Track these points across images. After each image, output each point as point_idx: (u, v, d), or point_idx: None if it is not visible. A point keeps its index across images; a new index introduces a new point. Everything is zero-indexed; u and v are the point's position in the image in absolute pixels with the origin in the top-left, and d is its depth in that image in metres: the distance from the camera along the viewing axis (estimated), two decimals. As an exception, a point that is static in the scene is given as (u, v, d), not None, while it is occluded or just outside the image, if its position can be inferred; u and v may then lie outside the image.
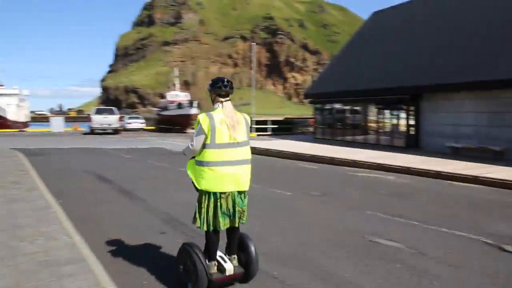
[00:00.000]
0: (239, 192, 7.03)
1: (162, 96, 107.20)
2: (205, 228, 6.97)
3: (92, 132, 50.57)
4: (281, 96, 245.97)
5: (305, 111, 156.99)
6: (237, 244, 7.30)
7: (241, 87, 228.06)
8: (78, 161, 22.26)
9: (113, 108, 54.39)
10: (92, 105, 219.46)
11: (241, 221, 7.07)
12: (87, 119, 54.45)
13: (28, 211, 10.59)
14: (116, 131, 50.78)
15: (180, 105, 55.28)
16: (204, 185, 6.90)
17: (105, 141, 38.05)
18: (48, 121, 64.90)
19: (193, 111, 52.58)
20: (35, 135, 49.56)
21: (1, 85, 79.06)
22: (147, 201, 12.63)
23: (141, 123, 61.07)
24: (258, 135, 45.07)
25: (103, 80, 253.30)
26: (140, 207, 11.92)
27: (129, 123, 60.17)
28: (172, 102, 62.86)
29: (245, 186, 7.03)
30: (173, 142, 35.90)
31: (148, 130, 61.62)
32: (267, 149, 25.90)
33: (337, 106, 33.42)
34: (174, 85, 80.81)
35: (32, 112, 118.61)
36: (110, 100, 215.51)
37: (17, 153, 24.73)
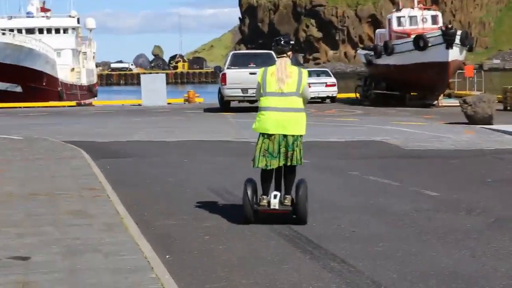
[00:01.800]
0: (285, 136, 8.48)
1: (374, 22, 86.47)
2: (252, 165, 8.68)
3: (225, 106, 31.39)
4: None
5: None
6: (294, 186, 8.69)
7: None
8: (206, 169, 13.90)
9: (266, 53, 30.88)
10: (223, 46, 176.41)
11: (292, 163, 8.51)
12: (216, 77, 37.51)
13: None
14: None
15: (421, 42, 32.46)
16: (254, 126, 8.72)
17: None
18: (135, 83, 42.58)
19: (454, 54, 31.78)
20: (110, 113, 32.85)
21: (47, 9, 49.53)
22: None
23: (329, 86, 38.79)
24: None
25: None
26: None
27: None
28: (403, 35, 35.94)
29: (291, 130, 8.47)
30: (406, 129, 21.59)
31: (344, 100, 40.51)
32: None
33: None
34: None
35: (102, 65, 72.24)
36: (258, 34, 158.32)
37: (79, 152, 15.59)
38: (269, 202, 8.66)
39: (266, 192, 8.73)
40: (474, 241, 7.96)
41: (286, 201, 8.74)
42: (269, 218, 8.77)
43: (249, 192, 8.59)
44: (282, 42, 8.72)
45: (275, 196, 8.66)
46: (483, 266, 6.96)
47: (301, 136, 8.65)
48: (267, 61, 29.97)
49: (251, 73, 28.83)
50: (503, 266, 6.92)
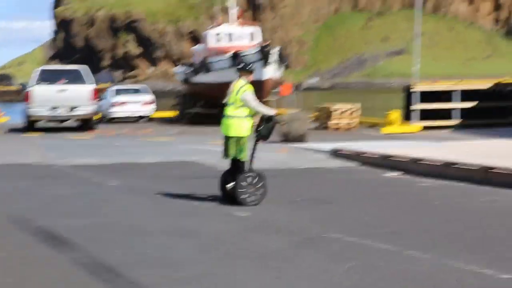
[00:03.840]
0: (228, 137, 11.54)
1: (195, 39, 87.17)
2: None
3: (31, 126, 30.01)
4: (488, 30, 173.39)
5: None
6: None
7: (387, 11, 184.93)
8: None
9: (80, 68, 30.85)
10: (35, 62, 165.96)
11: (237, 157, 11.60)
12: (20, 95, 36.51)
13: None
14: (87, 123, 30.39)
15: (238, 59, 31.63)
16: None
17: (62, 146, 23.84)
18: None
19: (269, 72, 32.26)
20: None
21: None
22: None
23: (146, 105, 38.29)
24: (425, 128, 27.14)
25: (57, 6, 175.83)
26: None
27: (117, 105, 37.64)
28: (220, 52, 35.86)
29: (230, 133, 11.56)
30: (219, 149, 18.86)
31: (162, 118, 40.08)
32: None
33: None
34: (224, 11, 43.64)
35: None
36: (72, 49, 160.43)
37: None
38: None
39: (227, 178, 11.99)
40: (280, 261, 8.13)
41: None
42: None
43: (221, 178, 12.09)
44: (239, 67, 12.07)
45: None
46: (288, 286, 7.11)
47: (241, 137, 11.49)
48: (79, 78, 29.59)
49: (60, 90, 28.36)
50: (305, 286, 7.11)
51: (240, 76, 11.80)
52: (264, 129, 11.80)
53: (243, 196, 11.67)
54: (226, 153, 11.85)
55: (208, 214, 11.38)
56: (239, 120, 11.62)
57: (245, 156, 11.71)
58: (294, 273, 7.64)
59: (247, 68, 11.92)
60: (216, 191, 13.79)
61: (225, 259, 8.32)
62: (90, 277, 7.53)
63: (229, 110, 11.67)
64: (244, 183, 11.65)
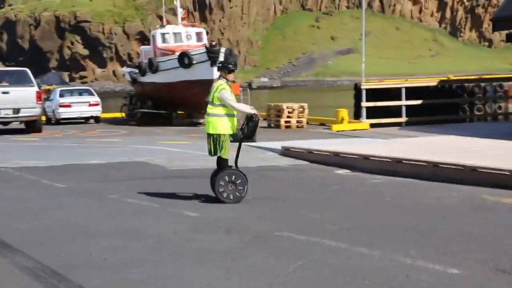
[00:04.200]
0: (208, 134, 11.74)
1: (143, 39, 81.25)
2: None
3: None
4: (433, 29, 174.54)
5: (493, 62, 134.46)
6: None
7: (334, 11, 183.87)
8: None
9: (23, 70, 30.94)
10: None
11: (217, 153, 11.75)
12: None
13: None
14: (34, 125, 30.24)
15: (186, 59, 32.65)
16: None
17: (8, 148, 23.65)
18: None
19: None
20: None
21: None
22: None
23: (92, 106, 38.18)
24: (372, 125, 26.99)
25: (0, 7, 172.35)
26: None
27: (65, 106, 37.53)
28: (167, 52, 35.96)
29: (209, 130, 11.80)
30: (171, 149, 21.86)
31: (110, 120, 39.99)
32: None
33: None
34: (171, 11, 47.72)
35: None
36: (18, 51, 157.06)
37: None
38: None
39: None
40: (230, 261, 8.03)
41: None
42: None
43: (211, 177, 12.19)
44: (219, 66, 12.32)
45: None
46: (237, 286, 7.02)
47: (219, 135, 11.64)
48: (23, 79, 29.08)
49: (3, 92, 27.98)
50: (254, 285, 7.03)
51: (220, 75, 12.00)
52: (246, 128, 11.85)
53: (221, 193, 11.84)
54: (208, 150, 12.04)
55: (157, 215, 11.20)
56: (217, 118, 11.74)
57: (224, 154, 11.83)
58: (243, 272, 7.56)
59: (226, 67, 11.98)
60: (165, 190, 13.68)
61: (174, 260, 8.19)
62: (33, 281, 7.32)
63: (209, 108, 11.88)
64: (223, 181, 11.80)
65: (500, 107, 29.91)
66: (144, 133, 29.70)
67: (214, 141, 11.79)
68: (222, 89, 11.65)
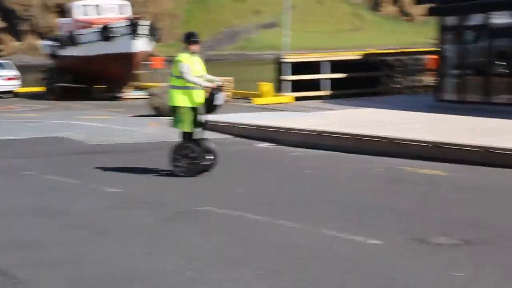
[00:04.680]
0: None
1: (63, 12, 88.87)
2: None
3: None
4: (354, 3, 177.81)
5: (413, 36, 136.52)
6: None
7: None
8: None
9: None
10: None
11: (175, 126, 11.66)
12: None
13: None
14: None
15: (107, 32, 32.24)
16: None
17: None
18: None
19: (139, 45, 32.01)
20: None
21: None
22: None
23: (11, 79, 37.06)
24: (297, 99, 26.37)
25: None
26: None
27: None
28: (88, 24, 34.72)
29: (168, 102, 11.79)
30: (91, 124, 21.38)
31: (29, 94, 37.65)
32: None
33: (498, 19, 20.27)
34: None
35: None
36: None
37: None
38: None
39: None
40: (152, 237, 7.93)
41: None
42: None
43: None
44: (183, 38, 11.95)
45: None
46: (159, 263, 6.92)
47: (176, 107, 11.47)
48: None
49: None
50: (179, 261, 6.95)
51: (185, 48, 11.80)
52: (206, 102, 11.60)
53: (174, 165, 11.71)
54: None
55: (77, 191, 10.96)
56: (174, 91, 11.60)
57: (182, 127, 11.63)
58: (166, 248, 7.47)
59: (187, 38, 11.80)
60: (85, 166, 13.40)
61: (94, 238, 8.02)
62: None
63: (170, 80, 11.85)
64: (178, 153, 11.66)
65: (419, 80, 30.47)
66: (63, 108, 28.97)
67: (172, 113, 11.68)
68: (181, 62, 11.46)
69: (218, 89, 11.64)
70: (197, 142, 11.80)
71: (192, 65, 11.55)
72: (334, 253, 7.07)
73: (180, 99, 11.56)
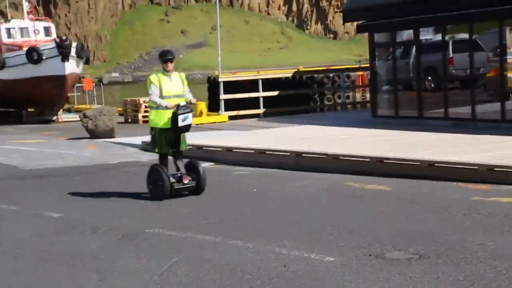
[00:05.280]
0: None
1: None
2: None
3: None
4: (281, 22, 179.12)
5: (339, 54, 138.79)
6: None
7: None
8: None
9: None
10: None
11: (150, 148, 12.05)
12: None
13: None
14: None
15: (35, 54, 31.65)
16: None
17: None
18: None
19: (71, 66, 31.56)
20: None
21: None
22: None
23: None
24: (230, 118, 26.44)
25: None
26: None
27: None
28: (14, 47, 34.76)
29: None
30: (25, 148, 20.77)
31: None
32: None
33: (426, 35, 20.98)
34: (13, 6, 46.23)
35: None
36: None
37: None
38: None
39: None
40: (101, 262, 7.68)
41: None
42: None
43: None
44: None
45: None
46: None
47: (150, 127, 11.47)
48: None
49: None
50: (130, 286, 6.73)
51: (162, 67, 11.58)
52: (171, 123, 11.17)
53: (147, 187, 11.55)
54: None
55: (16, 217, 10.58)
56: (150, 111, 11.61)
57: (154, 148, 11.58)
58: (117, 273, 7.25)
59: (161, 57, 11.57)
60: (22, 191, 13.00)
61: (39, 265, 7.74)
62: None
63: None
64: (149, 176, 11.53)
65: (348, 97, 30.87)
66: (-7, 132, 28.06)
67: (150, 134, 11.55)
68: (148, 82, 11.41)
69: (183, 108, 11.15)
70: (176, 164, 11.41)
71: (164, 84, 11.24)
72: (290, 271, 6.97)
73: (152, 120, 11.41)
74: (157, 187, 11.25)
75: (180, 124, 11.10)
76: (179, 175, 11.34)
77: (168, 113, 11.14)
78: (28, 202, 11.85)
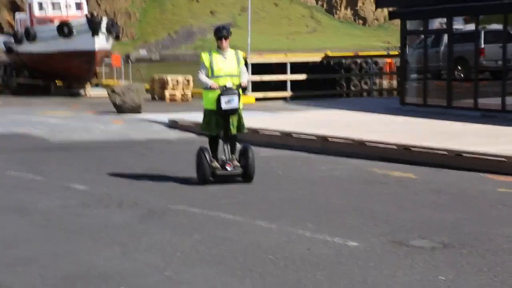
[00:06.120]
0: None
1: (17, 8, 73.92)
2: None
3: None
4: (310, 6, 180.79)
5: (367, 40, 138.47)
6: None
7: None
8: None
9: None
10: None
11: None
12: None
13: None
14: None
15: (66, 29, 31.90)
16: None
17: None
18: None
19: (100, 42, 31.86)
20: None
21: None
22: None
23: None
24: (257, 99, 26.11)
25: None
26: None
27: None
28: (45, 21, 34.75)
29: None
30: (52, 120, 21.04)
31: None
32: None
33: (457, 25, 20.66)
34: None
35: None
36: None
37: None
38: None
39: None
40: (125, 236, 7.72)
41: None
42: None
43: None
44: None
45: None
46: (135, 262, 6.73)
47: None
48: None
49: None
50: (155, 261, 6.76)
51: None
52: (216, 105, 10.55)
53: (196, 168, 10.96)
54: None
55: (43, 188, 10.67)
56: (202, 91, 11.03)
57: (204, 129, 11.06)
58: (140, 247, 7.29)
59: (216, 34, 10.79)
60: (49, 163, 13.10)
61: (65, 236, 7.79)
62: None
63: None
64: (196, 158, 10.88)
65: (375, 84, 30.68)
66: (21, 104, 28.33)
67: None
68: (201, 60, 10.76)
69: (228, 90, 10.47)
70: (223, 148, 10.81)
71: (216, 62, 10.57)
72: (314, 255, 6.95)
73: (204, 101, 10.84)
74: (199, 170, 10.81)
75: (224, 106, 10.40)
76: (224, 160, 10.76)
77: (215, 94, 10.48)
78: (55, 174, 11.94)
